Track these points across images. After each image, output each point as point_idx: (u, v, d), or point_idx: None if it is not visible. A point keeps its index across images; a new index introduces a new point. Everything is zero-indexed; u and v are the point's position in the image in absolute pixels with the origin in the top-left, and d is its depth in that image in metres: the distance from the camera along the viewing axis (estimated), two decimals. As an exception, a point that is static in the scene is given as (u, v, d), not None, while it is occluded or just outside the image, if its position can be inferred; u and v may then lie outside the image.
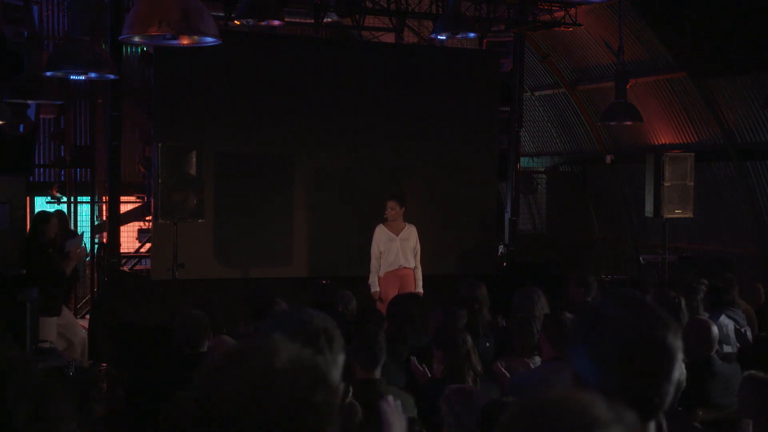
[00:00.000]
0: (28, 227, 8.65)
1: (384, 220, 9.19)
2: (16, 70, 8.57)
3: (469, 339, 4.88)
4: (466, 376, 4.69)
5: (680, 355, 1.82)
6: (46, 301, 7.74)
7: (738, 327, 6.80)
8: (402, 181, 10.71)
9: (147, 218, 11.51)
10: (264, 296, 6.39)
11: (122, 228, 10.81)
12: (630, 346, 1.79)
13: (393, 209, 9.15)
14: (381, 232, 9.16)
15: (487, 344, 6.27)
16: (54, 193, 12.84)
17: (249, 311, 6.34)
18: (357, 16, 10.94)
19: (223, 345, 4.81)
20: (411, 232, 9.24)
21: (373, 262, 9.17)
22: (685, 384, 4.21)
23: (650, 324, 1.80)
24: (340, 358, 1.90)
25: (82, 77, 7.51)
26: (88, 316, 11.04)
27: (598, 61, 13.18)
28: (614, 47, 10.81)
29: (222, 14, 9.60)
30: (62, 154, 13.23)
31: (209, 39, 5.34)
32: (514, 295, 6.34)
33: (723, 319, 6.75)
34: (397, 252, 9.15)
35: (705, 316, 6.47)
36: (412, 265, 9.22)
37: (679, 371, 1.83)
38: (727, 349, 6.42)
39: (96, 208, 12.25)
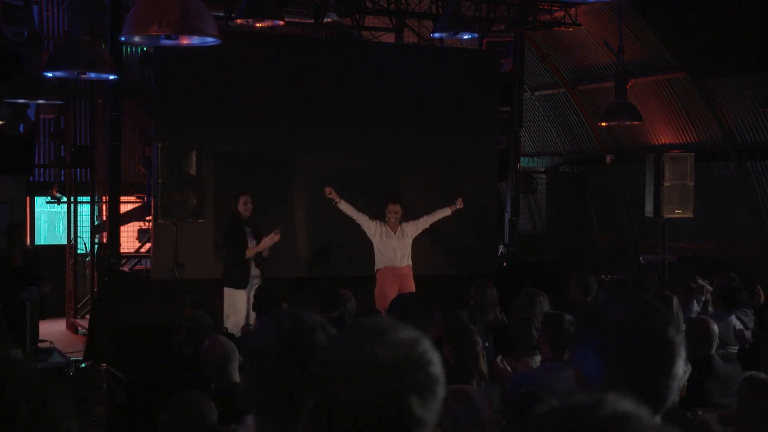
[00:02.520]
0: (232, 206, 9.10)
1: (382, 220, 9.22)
2: (16, 70, 8.57)
3: (479, 340, 4.82)
4: (472, 378, 4.64)
5: (682, 352, 1.84)
6: (233, 275, 8.80)
7: (745, 329, 6.79)
8: (402, 181, 10.72)
9: (147, 218, 11.50)
10: (271, 296, 6.42)
11: (122, 228, 10.80)
12: (632, 339, 1.81)
13: (398, 213, 9.19)
14: (379, 225, 9.19)
15: (486, 344, 6.26)
16: (54, 193, 12.83)
17: (255, 310, 6.37)
18: (357, 16, 10.94)
19: (218, 345, 4.81)
20: (406, 229, 9.30)
21: (360, 214, 9.22)
22: (685, 381, 4.22)
23: (651, 318, 1.83)
24: None
25: (82, 77, 7.51)
26: (88, 316, 11.04)
27: (598, 61, 13.18)
28: (614, 47, 10.81)
29: (222, 14, 9.59)
30: (62, 154, 13.21)
31: (209, 39, 5.34)
32: (516, 296, 6.33)
33: (732, 319, 6.75)
34: (395, 250, 9.18)
35: (711, 314, 6.48)
36: (410, 263, 9.25)
37: (683, 369, 1.85)
38: (732, 350, 6.42)
39: (96, 208, 12.23)
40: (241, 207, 8.91)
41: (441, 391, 1.48)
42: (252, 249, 8.86)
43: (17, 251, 9.16)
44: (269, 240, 8.93)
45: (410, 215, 9.46)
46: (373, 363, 1.44)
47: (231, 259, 8.93)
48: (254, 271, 8.91)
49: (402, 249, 9.21)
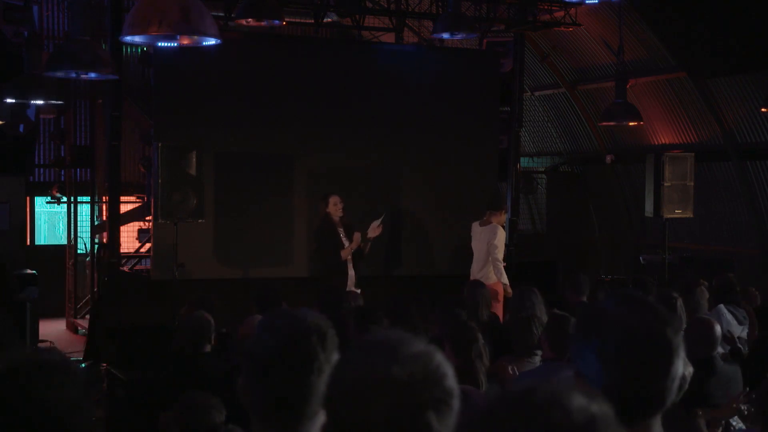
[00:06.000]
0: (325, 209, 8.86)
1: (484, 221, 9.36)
2: (16, 70, 8.57)
3: (480, 338, 4.79)
4: (476, 377, 4.59)
5: (681, 352, 1.85)
6: (331, 276, 8.50)
7: (737, 323, 6.79)
8: (402, 181, 10.72)
9: (147, 218, 11.50)
10: (271, 295, 6.42)
11: (122, 228, 10.80)
12: (630, 340, 1.82)
13: None
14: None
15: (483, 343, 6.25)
16: (54, 193, 12.83)
17: (255, 310, 6.36)
18: (357, 16, 10.94)
19: (253, 321, 4.80)
20: None
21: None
22: (688, 382, 4.20)
23: (649, 319, 1.84)
24: (334, 358, 1.88)
25: (82, 77, 7.51)
26: (88, 316, 11.04)
27: (598, 61, 13.18)
28: (614, 47, 10.81)
29: (222, 14, 9.59)
30: (62, 154, 13.21)
31: (209, 39, 5.34)
32: (512, 295, 6.36)
33: (721, 307, 6.75)
34: None
35: (705, 313, 6.47)
36: None
37: (683, 369, 1.86)
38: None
39: (96, 208, 12.24)
40: (331, 208, 8.72)
41: (456, 403, 1.45)
42: (347, 249, 8.65)
43: None
44: (371, 231, 8.78)
45: (411, 216, 9.46)
46: (389, 381, 1.41)
47: (328, 264, 8.72)
48: (351, 271, 8.73)
49: None
